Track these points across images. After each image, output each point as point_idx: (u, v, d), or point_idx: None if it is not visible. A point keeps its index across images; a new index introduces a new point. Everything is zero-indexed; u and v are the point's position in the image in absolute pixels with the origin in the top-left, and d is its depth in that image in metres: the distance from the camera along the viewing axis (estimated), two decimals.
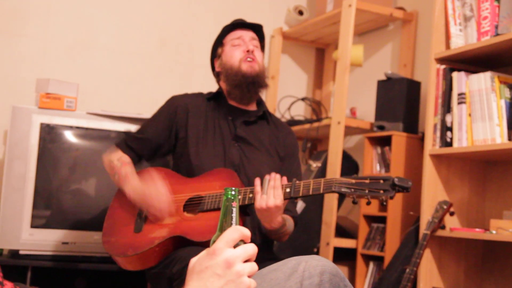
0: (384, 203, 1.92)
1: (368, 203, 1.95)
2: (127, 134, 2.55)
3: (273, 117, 2.63)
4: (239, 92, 2.48)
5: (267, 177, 2.10)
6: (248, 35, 2.54)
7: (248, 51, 2.48)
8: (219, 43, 2.59)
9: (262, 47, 2.62)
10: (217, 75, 2.62)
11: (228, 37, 2.56)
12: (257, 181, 2.11)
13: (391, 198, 1.92)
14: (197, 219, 2.22)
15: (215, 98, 2.56)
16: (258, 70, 2.48)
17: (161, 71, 3.79)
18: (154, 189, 2.26)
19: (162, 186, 2.26)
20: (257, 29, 2.60)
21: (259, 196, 2.07)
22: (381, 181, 1.92)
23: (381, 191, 1.91)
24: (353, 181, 1.96)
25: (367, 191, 1.93)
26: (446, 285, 2.82)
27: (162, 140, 2.50)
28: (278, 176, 2.09)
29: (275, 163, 2.44)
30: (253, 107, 2.58)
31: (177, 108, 2.51)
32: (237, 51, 2.50)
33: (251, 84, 2.46)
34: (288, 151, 2.54)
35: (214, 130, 2.47)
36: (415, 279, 2.63)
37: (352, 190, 1.95)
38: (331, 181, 1.98)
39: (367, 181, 1.94)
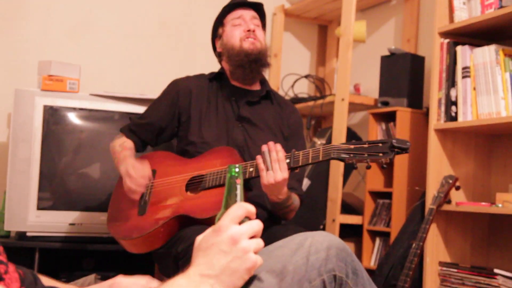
0: (384, 166, 1.92)
1: (368, 167, 1.94)
2: (131, 119, 2.55)
3: (277, 96, 2.61)
4: (242, 71, 2.46)
5: (265, 149, 2.07)
6: (248, 14, 2.52)
7: (249, 30, 2.46)
8: (219, 23, 2.57)
9: (264, 26, 2.59)
10: (218, 55, 2.60)
11: (228, 17, 2.53)
12: (259, 158, 2.10)
13: (391, 160, 1.91)
14: (200, 197, 2.23)
15: (217, 78, 2.55)
16: (260, 48, 2.46)
17: (162, 51, 3.77)
18: (139, 164, 2.30)
19: (147, 167, 2.30)
20: (257, 8, 2.57)
21: (265, 173, 2.07)
22: (380, 144, 1.91)
23: (380, 154, 1.90)
24: (352, 146, 1.95)
25: (366, 155, 1.92)
26: (452, 259, 2.83)
27: (165, 124, 2.50)
28: (279, 146, 2.07)
29: (280, 143, 2.41)
30: (256, 87, 2.56)
31: (179, 92, 2.50)
32: (238, 30, 2.48)
33: (253, 62, 2.44)
34: (292, 129, 2.53)
35: (217, 111, 2.46)
36: (421, 254, 2.64)
37: (351, 155, 1.94)
38: (330, 148, 1.97)
39: (366, 145, 1.93)
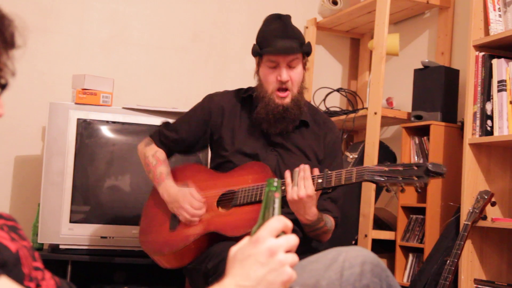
0: (419, 190, 1.88)
1: (402, 191, 1.91)
2: (162, 128, 2.54)
3: (315, 115, 2.50)
4: (266, 125, 2.36)
5: (296, 169, 2.08)
6: (285, 58, 2.30)
7: (281, 81, 2.31)
8: (257, 53, 2.39)
9: (306, 53, 2.38)
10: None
11: (265, 56, 2.34)
12: (287, 173, 2.09)
13: (426, 184, 1.87)
14: (231, 214, 2.22)
15: (251, 98, 2.46)
16: (289, 102, 2.32)
17: (195, 64, 3.79)
18: (188, 193, 2.27)
19: (195, 192, 2.28)
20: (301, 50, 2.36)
21: (290, 188, 2.06)
22: (415, 168, 1.88)
23: (415, 178, 1.86)
24: (386, 168, 1.92)
25: (400, 178, 1.89)
26: (488, 276, 2.77)
27: (195, 140, 2.49)
28: (307, 166, 2.07)
29: (314, 167, 2.30)
30: (287, 129, 2.41)
31: (211, 110, 2.45)
32: (271, 76, 2.32)
33: (279, 120, 2.33)
34: (328, 150, 2.45)
35: (249, 134, 2.41)
36: (456, 271, 2.59)
37: (385, 178, 1.91)
38: (364, 170, 1.95)
39: (401, 168, 1.90)
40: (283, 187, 2.10)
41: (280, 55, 2.30)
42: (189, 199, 2.26)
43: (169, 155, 2.50)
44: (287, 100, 2.33)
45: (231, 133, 2.41)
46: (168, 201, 2.32)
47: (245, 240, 1.05)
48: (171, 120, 2.59)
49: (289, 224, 1.05)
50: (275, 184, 1.07)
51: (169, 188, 2.32)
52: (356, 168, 1.97)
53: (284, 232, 1.05)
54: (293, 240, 1.04)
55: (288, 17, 2.39)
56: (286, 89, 2.33)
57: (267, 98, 2.33)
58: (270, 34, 2.35)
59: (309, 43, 2.37)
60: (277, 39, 2.32)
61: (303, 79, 2.40)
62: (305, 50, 2.35)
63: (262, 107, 2.35)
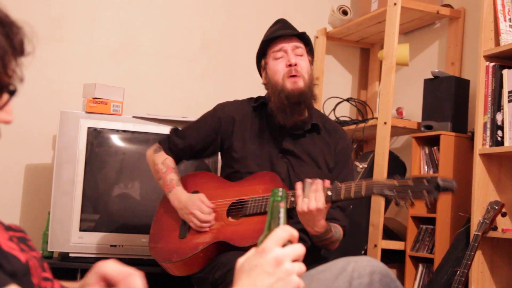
0: (429, 206, 1.87)
1: (412, 205, 1.90)
2: (171, 134, 2.55)
3: (325, 122, 2.51)
4: (282, 116, 2.35)
5: (308, 180, 2.07)
6: (290, 44, 2.39)
7: (290, 65, 2.35)
8: (261, 54, 2.47)
9: (310, 51, 2.48)
10: (265, 85, 2.50)
11: (270, 49, 2.42)
12: (299, 184, 2.08)
13: (435, 199, 1.87)
14: (240, 223, 2.22)
15: (262, 106, 2.47)
16: (303, 87, 2.34)
17: (204, 73, 3.80)
18: (198, 199, 2.27)
19: (205, 198, 2.29)
20: (300, 35, 2.45)
21: (301, 200, 2.05)
22: (425, 182, 1.86)
23: (425, 192, 1.85)
24: (396, 182, 1.91)
25: (410, 193, 1.87)
26: (498, 287, 2.75)
27: (203, 148, 2.49)
28: (320, 181, 2.06)
29: (324, 176, 2.24)
30: (303, 115, 2.43)
31: (221, 119, 2.46)
32: (280, 65, 2.37)
33: (295, 104, 2.33)
34: (339, 158, 2.45)
35: (260, 142, 2.41)
36: (466, 282, 2.57)
37: (395, 192, 1.90)
38: (373, 184, 1.94)
39: (411, 183, 1.89)
40: (292, 198, 2.09)
41: (286, 40, 2.38)
42: (198, 205, 2.27)
43: (177, 162, 2.51)
44: (300, 84, 2.34)
45: (241, 142, 2.41)
46: (178, 208, 2.33)
47: (252, 251, 1.06)
48: (180, 127, 2.60)
49: (295, 233, 1.05)
50: (280, 194, 1.07)
51: (179, 195, 2.33)
52: (366, 181, 1.97)
53: (290, 242, 1.06)
54: (299, 249, 1.05)
55: (285, 20, 2.51)
56: (296, 75, 2.34)
57: (280, 87, 2.34)
58: (270, 32, 2.46)
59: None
60: (279, 30, 2.43)
61: (312, 73, 2.43)
62: (307, 38, 2.45)
63: (276, 97, 2.35)
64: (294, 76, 2.35)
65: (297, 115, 2.35)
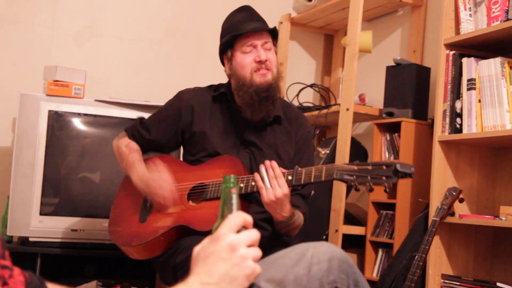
0: (387, 190, 1.90)
1: (371, 190, 1.92)
2: (136, 123, 2.53)
3: (288, 112, 2.49)
4: (251, 111, 2.33)
5: (262, 167, 2.06)
6: (260, 40, 2.33)
7: (260, 61, 2.31)
8: (228, 45, 2.39)
9: (275, 42, 2.43)
10: (227, 75, 2.46)
11: (238, 41, 2.35)
12: (257, 176, 2.07)
13: (394, 185, 1.90)
14: (201, 207, 2.22)
15: (222, 96, 2.45)
16: (271, 80, 2.32)
17: (168, 58, 3.78)
18: (159, 176, 2.26)
19: (166, 174, 2.26)
20: (271, 30, 2.40)
21: (265, 190, 2.04)
22: (384, 167, 1.89)
23: (384, 178, 1.88)
24: (356, 167, 1.93)
25: (369, 178, 1.90)
26: (455, 272, 2.81)
27: (167, 141, 2.47)
28: (274, 164, 2.05)
29: (285, 166, 2.21)
30: (270, 109, 2.39)
31: (181, 109, 2.43)
32: (249, 59, 2.32)
33: (263, 99, 2.30)
34: (299, 145, 2.45)
35: (221, 131, 2.40)
36: (424, 266, 2.62)
37: (354, 177, 1.92)
38: (333, 168, 1.96)
39: (370, 167, 1.91)
40: (253, 183, 2.10)
41: (256, 35, 2.32)
42: (159, 182, 2.25)
43: (143, 151, 2.49)
44: (269, 77, 2.32)
45: (202, 132, 2.39)
46: (140, 187, 2.30)
47: (206, 239, 1.07)
48: (146, 115, 2.57)
49: (248, 219, 1.06)
50: (232, 180, 1.08)
51: (141, 174, 2.30)
52: (326, 166, 1.98)
53: (245, 227, 1.07)
54: (254, 234, 1.06)
55: (251, 7, 2.44)
56: (266, 69, 2.32)
57: (248, 82, 2.31)
58: (238, 21, 2.38)
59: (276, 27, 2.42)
60: (248, 22, 2.36)
61: (278, 65, 2.41)
62: (276, 32, 2.40)
63: (244, 92, 2.31)
64: (263, 70, 2.32)
65: (265, 110, 2.34)
